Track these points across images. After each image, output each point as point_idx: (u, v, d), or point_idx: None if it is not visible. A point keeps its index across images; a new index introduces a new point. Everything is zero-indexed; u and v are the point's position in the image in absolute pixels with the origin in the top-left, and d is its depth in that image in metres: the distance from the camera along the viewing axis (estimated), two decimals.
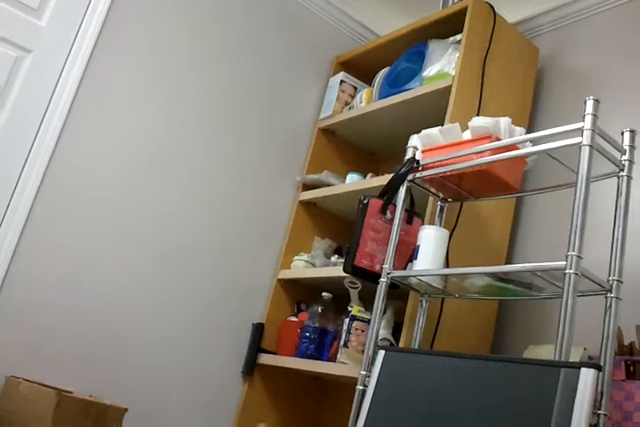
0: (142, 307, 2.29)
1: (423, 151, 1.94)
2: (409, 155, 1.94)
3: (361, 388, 1.73)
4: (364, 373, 1.74)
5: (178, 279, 2.38)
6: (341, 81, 2.79)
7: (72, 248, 2.15)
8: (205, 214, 2.47)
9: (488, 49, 2.30)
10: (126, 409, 1.88)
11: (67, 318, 2.11)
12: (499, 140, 1.75)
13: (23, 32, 2.14)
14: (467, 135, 1.87)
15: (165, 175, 2.38)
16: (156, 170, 2.36)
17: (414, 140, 2.01)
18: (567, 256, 1.40)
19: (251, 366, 2.45)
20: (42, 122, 2.13)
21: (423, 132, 1.97)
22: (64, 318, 2.11)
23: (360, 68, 2.92)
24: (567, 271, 1.38)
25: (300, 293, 2.61)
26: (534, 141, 1.74)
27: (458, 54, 2.26)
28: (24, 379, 1.92)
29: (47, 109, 2.14)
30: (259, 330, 2.49)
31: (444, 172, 1.82)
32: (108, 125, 2.27)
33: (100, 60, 2.27)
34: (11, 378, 1.93)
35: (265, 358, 2.44)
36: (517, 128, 1.83)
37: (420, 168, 1.90)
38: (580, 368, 1.20)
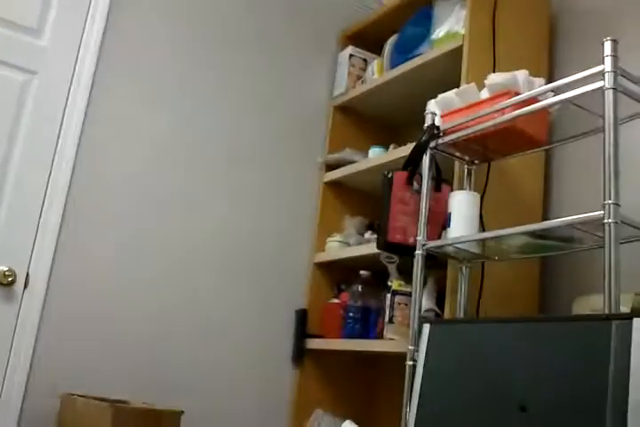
0: (187, 303, 2.28)
1: (442, 116, 1.89)
2: (428, 122, 1.89)
3: (410, 363, 1.70)
4: (412, 347, 1.71)
5: (219, 275, 2.36)
6: (350, 55, 2.73)
7: (116, 256, 2.15)
8: (237, 205, 2.45)
9: (496, 1, 2.22)
10: (182, 412, 1.88)
11: (113, 328, 2.11)
12: (518, 94, 1.69)
13: (26, 54, 2.13)
14: (484, 94, 1.82)
15: (191, 168, 2.36)
16: (181, 164, 2.34)
17: (432, 106, 1.96)
18: (604, 205, 1.35)
19: (300, 353, 2.44)
20: (58, 139, 2.13)
21: (440, 96, 1.92)
22: (111, 327, 2.11)
23: (368, 39, 2.85)
24: (606, 221, 1.33)
25: (338, 274, 2.58)
26: (556, 91, 1.67)
27: (465, 12, 2.19)
28: (78, 395, 1.92)
29: (61, 127, 2.14)
30: (302, 316, 2.47)
31: (467, 134, 1.76)
32: (121, 134, 2.25)
33: (106, 72, 2.25)
34: (66, 396, 1.94)
35: (312, 343, 2.42)
36: (536, 79, 1.77)
37: (442, 134, 1.85)
38: (632, 319, 1.15)
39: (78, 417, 1.87)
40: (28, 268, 2.02)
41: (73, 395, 1.93)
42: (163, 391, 2.17)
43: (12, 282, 1.97)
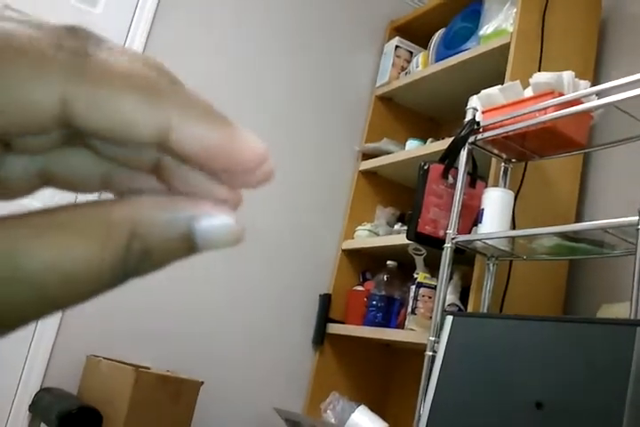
0: (214, 282, 2.32)
1: (483, 112, 1.89)
2: (469, 117, 1.89)
3: (430, 354, 1.71)
4: (433, 338, 1.73)
5: (249, 254, 2.39)
6: (396, 46, 2.73)
7: None
8: (271, 190, 2.47)
9: (547, 1, 2.21)
10: (202, 382, 1.92)
11: (143, 296, 2.16)
12: (562, 95, 1.68)
13: (79, 21, 2.16)
14: (528, 93, 1.81)
15: None
16: None
17: (474, 102, 1.96)
18: None
19: (321, 336, 2.47)
20: None
21: (483, 92, 1.92)
22: (140, 295, 2.15)
23: (415, 32, 2.84)
24: None
25: (364, 262, 2.60)
26: (600, 94, 1.67)
27: (515, 9, 2.18)
28: (104, 357, 1.97)
29: None
30: (326, 301, 2.50)
31: (507, 132, 1.76)
32: None
33: (157, 39, 2.29)
34: (91, 357, 1.99)
35: (334, 328, 2.45)
36: (582, 82, 1.76)
37: (481, 129, 1.85)
38: None
39: (102, 379, 1.93)
40: None
41: (98, 357, 1.98)
42: (186, 363, 2.21)
43: None
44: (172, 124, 0.19)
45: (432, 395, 1.51)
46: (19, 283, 0.18)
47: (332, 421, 2.15)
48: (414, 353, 2.56)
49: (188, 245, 0.20)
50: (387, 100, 2.78)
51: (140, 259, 0.19)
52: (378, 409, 2.24)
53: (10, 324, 0.18)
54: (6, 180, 0.22)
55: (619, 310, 1.73)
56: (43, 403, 1.92)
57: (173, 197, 0.20)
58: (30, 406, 1.96)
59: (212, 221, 0.20)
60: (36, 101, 0.18)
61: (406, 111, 2.83)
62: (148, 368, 1.98)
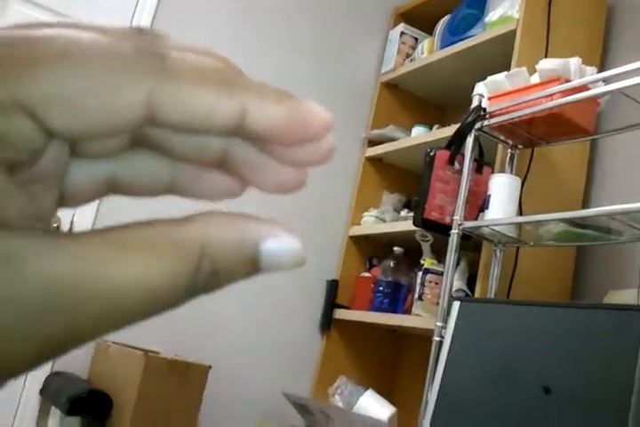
0: None
1: (490, 98, 1.89)
2: (475, 103, 1.90)
3: (437, 339, 1.73)
4: (440, 324, 1.74)
5: None
6: (401, 33, 2.73)
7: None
8: None
9: None
10: (210, 367, 1.94)
11: None
12: (569, 81, 1.69)
13: (82, 9, 2.16)
14: (535, 79, 1.81)
15: None
16: None
17: (480, 88, 1.96)
18: None
19: (328, 322, 2.49)
20: None
21: (489, 78, 1.92)
22: None
23: (420, 18, 2.84)
24: None
25: (371, 248, 2.62)
26: (607, 81, 1.67)
27: None
28: (113, 342, 1.99)
29: None
30: (333, 286, 2.51)
31: (513, 118, 1.77)
32: None
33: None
34: (100, 343, 2.01)
35: (341, 314, 2.47)
36: (588, 68, 1.76)
37: (488, 116, 1.86)
38: None
39: (111, 363, 1.95)
40: (73, 216, 2.07)
41: (107, 342, 2.00)
42: (194, 348, 2.23)
43: (57, 228, 2.04)
44: (246, 108, 0.20)
45: (439, 380, 1.52)
46: (98, 298, 0.18)
47: (340, 405, 2.18)
48: (421, 339, 2.58)
49: (253, 266, 0.21)
50: (392, 87, 2.78)
51: (209, 278, 0.20)
52: (385, 394, 2.26)
53: (84, 338, 0.19)
54: (72, 186, 0.22)
55: (625, 297, 1.74)
56: (53, 387, 1.94)
57: (240, 216, 0.21)
58: (41, 390, 1.98)
59: (279, 244, 0.21)
60: (126, 103, 0.19)
61: (412, 98, 2.83)
62: (157, 353, 2.00)
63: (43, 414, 1.96)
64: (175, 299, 0.20)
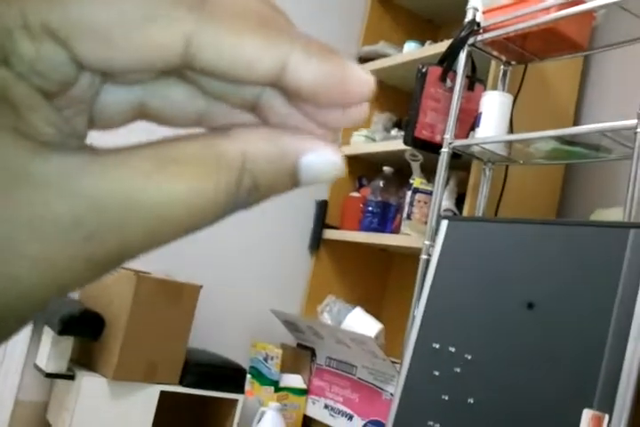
0: None
1: (484, 12, 1.84)
2: (469, 17, 1.84)
3: (425, 257, 1.74)
4: (428, 243, 1.75)
5: None
6: None
7: None
8: None
9: None
10: (201, 286, 1.96)
11: None
12: None
13: None
14: None
15: None
16: None
17: (475, 1, 1.89)
18: (639, 114, 1.33)
19: (317, 242, 2.50)
20: None
21: None
22: None
23: None
24: (639, 130, 1.32)
25: (360, 168, 2.60)
26: None
27: None
28: None
29: None
30: (322, 207, 2.51)
31: (507, 33, 1.72)
32: None
33: None
34: None
35: (330, 234, 2.48)
36: None
37: (481, 31, 1.80)
38: None
39: (102, 284, 1.96)
40: None
41: None
42: (183, 266, 2.24)
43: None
44: (289, 61, 0.19)
45: (426, 297, 1.54)
46: (144, 214, 0.18)
47: (329, 322, 2.22)
48: (409, 257, 2.60)
49: (292, 179, 0.20)
50: (384, 1, 2.69)
51: (249, 193, 0.20)
52: (373, 311, 2.30)
53: (129, 255, 0.19)
54: (102, 109, 0.22)
55: (612, 215, 1.74)
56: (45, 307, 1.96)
57: (279, 131, 0.20)
58: None
59: (319, 157, 0.20)
60: (162, 42, 0.18)
61: (404, 13, 2.75)
62: (148, 273, 2.02)
63: (36, 334, 2.00)
64: (216, 214, 0.20)
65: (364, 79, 0.20)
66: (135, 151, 0.18)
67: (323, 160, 0.20)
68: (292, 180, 0.20)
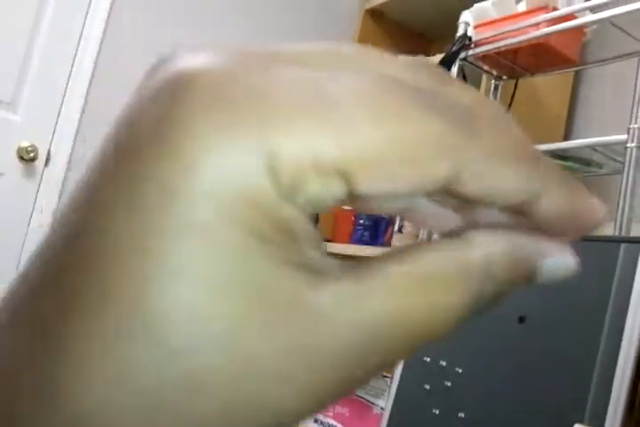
0: None
1: (475, 27, 1.85)
2: (460, 31, 1.85)
3: None
4: None
5: None
6: None
7: None
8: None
9: None
10: None
11: None
12: (556, 10, 1.64)
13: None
14: (522, 7, 1.77)
15: None
16: None
17: (466, 16, 1.91)
18: (629, 129, 1.34)
19: None
20: (88, 9, 2.09)
21: (475, 6, 1.87)
22: None
23: None
24: (629, 145, 1.33)
25: None
26: (594, 10, 1.63)
27: None
28: None
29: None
30: (314, 220, 2.50)
31: (498, 47, 1.73)
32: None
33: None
34: None
35: None
36: None
37: (473, 45, 1.82)
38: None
39: None
40: (50, 145, 2.03)
41: None
42: None
43: (34, 158, 1.98)
44: (542, 193, 0.19)
45: None
46: (408, 333, 0.17)
47: None
48: None
49: (528, 281, 0.20)
50: (376, 15, 2.70)
51: (488, 302, 0.19)
52: None
53: (383, 370, 0.18)
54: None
55: (603, 230, 1.75)
56: None
57: (515, 232, 0.20)
58: None
59: (558, 259, 0.20)
60: (429, 175, 0.17)
61: (396, 26, 2.76)
62: None
63: None
64: (457, 324, 0.19)
65: (598, 211, 0.20)
66: (387, 270, 0.18)
67: (562, 263, 0.20)
68: (527, 282, 0.20)
